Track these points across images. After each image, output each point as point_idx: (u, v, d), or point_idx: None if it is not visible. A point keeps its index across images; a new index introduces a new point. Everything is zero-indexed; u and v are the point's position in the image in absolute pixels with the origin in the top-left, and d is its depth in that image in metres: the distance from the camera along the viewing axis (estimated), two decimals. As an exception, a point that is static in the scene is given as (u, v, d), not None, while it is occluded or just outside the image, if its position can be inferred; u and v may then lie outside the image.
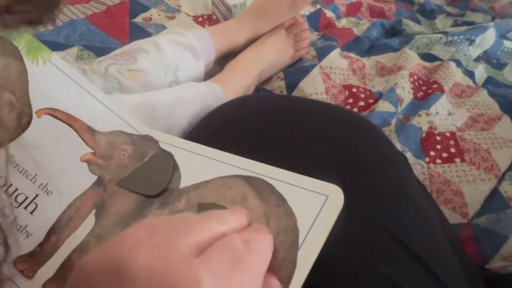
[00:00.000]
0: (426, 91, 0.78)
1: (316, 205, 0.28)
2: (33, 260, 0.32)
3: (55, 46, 0.60)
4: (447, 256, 0.37)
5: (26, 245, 0.32)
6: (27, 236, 0.32)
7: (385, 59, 0.85)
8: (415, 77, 0.79)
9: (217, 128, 0.43)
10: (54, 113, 0.37)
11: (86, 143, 0.37)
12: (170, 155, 0.37)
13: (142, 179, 0.36)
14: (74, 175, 0.35)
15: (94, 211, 0.35)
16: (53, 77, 0.39)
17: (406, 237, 0.34)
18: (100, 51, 0.61)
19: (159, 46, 0.58)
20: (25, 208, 0.33)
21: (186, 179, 0.34)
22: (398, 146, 0.68)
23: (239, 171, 0.32)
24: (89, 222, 0.34)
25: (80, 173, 0.36)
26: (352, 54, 0.81)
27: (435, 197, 0.65)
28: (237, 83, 0.63)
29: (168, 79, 0.57)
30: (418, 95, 0.77)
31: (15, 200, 0.33)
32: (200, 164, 0.35)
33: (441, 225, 0.47)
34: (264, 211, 0.29)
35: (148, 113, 0.45)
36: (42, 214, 0.33)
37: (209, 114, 0.46)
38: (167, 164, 0.36)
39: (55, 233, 0.33)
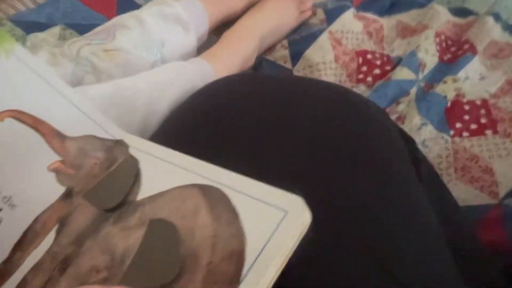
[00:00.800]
0: (455, 53, 0.69)
1: (271, 223, 0.23)
2: None
3: (36, 27, 0.58)
4: (444, 275, 0.31)
5: None
6: None
7: (409, 17, 0.76)
8: (443, 37, 0.71)
9: (189, 122, 0.39)
10: (19, 116, 0.34)
11: (54, 150, 0.34)
12: (136, 162, 0.34)
13: (103, 191, 0.33)
14: (41, 186, 0.33)
15: (57, 226, 0.33)
16: (17, 73, 0.35)
17: (391, 261, 0.28)
18: (84, 29, 0.58)
19: (142, 21, 0.54)
20: None
21: (146, 189, 0.32)
22: (417, 118, 0.61)
23: (197, 178, 0.29)
24: (50, 238, 0.32)
25: (48, 184, 0.33)
26: (368, 14, 0.73)
27: (460, 175, 0.59)
28: (231, 56, 0.59)
29: (152, 57, 0.53)
30: (445, 58, 0.69)
31: None
32: (162, 171, 0.32)
33: (451, 214, 0.42)
34: (213, 230, 0.25)
35: (123, 104, 0.42)
36: (7, 230, 0.31)
37: (184, 103, 0.42)
38: (130, 173, 0.33)
39: (20, 249, 0.32)
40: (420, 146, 0.60)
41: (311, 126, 0.34)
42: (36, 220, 0.32)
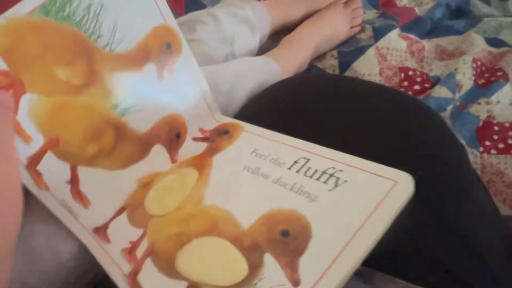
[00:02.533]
0: (489, 79, 0.79)
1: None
2: None
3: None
4: (504, 253, 0.39)
5: None
6: None
7: (446, 42, 0.86)
8: (479, 63, 0.80)
9: (278, 107, 0.47)
10: None
11: None
12: None
13: None
14: None
15: None
16: None
17: (466, 233, 0.37)
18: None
19: (217, 18, 0.64)
20: None
21: None
22: (452, 133, 0.71)
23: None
24: None
25: None
26: (411, 35, 0.83)
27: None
28: (292, 58, 0.68)
29: (224, 51, 0.62)
30: (479, 82, 0.78)
31: None
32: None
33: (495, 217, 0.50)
34: None
35: (211, 88, 0.50)
36: None
37: (266, 91, 0.51)
38: None
39: None
40: (452, 158, 0.69)
41: (391, 121, 0.41)
42: None
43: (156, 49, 0.40)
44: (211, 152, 0.42)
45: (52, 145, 0.36)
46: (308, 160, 0.36)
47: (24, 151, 0.35)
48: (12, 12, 0.32)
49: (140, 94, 0.40)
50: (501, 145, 0.71)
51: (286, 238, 0.31)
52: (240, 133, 0.43)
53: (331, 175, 0.34)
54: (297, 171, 0.36)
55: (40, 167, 0.36)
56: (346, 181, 0.33)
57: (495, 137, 0.72)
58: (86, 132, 0.38)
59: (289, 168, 0.37)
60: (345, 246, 0.28)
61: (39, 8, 0.32)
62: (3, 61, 0.32)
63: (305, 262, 0.29)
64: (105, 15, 0.36)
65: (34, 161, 0.36)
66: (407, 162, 0.36)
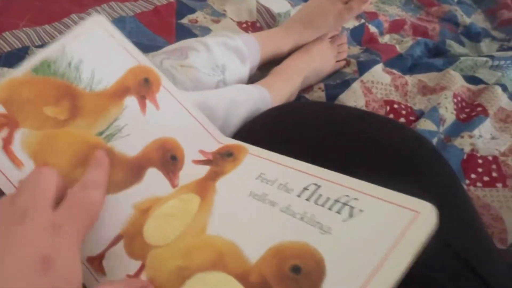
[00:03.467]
0: (469, 113, 0.81)
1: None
2: None
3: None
4: (505, 273, 0.39)
5: None
6: None
7: (427, 78, 0.89)
8: (459, 98, 0.83)
9: (275, 133, 0.47)
10: None
11: None
12: None
13: None
14: None
15: None
16: None
17: (467, 253, 0.36)
18: (147, 49, 0.66)
19: (208, 46, 0.64)
20: None
21: None
22: (438, 165, 0.71)
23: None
24: None
25: None
26: (395, 71, 0.85)
27: (474, 221, 0.68)
28: (283, 88, 0.68)
29: (216, 77, 0.62)
30: (461, 117, 0.80)
31: None
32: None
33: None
34: None
35: (207, 113, 0.48)
36: None
37: (261, 117, 0.50)
38: None
39: None
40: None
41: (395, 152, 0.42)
42: None
43: (134, 84, 0.43)
44: (214, 176, 0.40)
45: None
46: (319, 186, 0.34)
47: (16, 175, 0.37)
48: (11, 75, 0.40)
49: (123, 123, 0.41)
50: (486, 178, 0.72)
51: (298, 275, 0.28)
52: (245, 156, 0.41)
53: (344, 204, 0.31)
54: (307, 199, 0.33)
55: None
56: (361, 211, 0.30)
57: (480, 170, 0.72)
58: (72, 157, 0.39)
59: (299, 196, 0.34)
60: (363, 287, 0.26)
61: (30, 70, 0.41)
62: (2, 106, 0.39)
63: None
64: (83, 67, 0.42)
65: None
66: (415, 193, 0.36)
